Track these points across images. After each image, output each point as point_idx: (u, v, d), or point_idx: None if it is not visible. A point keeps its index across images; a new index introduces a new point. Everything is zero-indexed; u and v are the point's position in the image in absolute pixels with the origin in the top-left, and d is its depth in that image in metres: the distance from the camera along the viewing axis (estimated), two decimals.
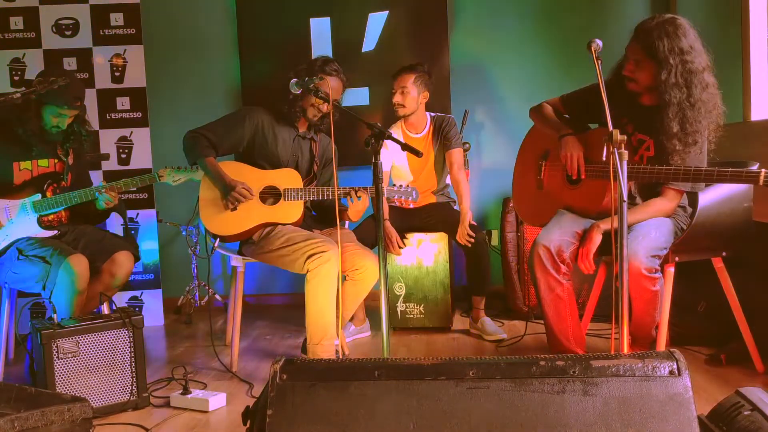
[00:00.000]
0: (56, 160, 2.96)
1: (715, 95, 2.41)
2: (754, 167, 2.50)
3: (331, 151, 3.21)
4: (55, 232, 2.87)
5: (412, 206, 2.84)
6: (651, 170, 2.36)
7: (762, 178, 2.10)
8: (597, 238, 2.47)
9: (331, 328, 2.74)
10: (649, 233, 2.41)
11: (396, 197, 2.87)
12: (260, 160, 3.00)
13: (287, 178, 2.94)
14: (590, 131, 2.67)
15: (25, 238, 2.80)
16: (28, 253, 2.74)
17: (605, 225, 2.47)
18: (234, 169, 2.93)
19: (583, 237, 2.52)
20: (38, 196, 2.85)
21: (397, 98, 3.45)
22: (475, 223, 3.38)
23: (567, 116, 2.79)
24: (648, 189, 2.58)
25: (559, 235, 2.54)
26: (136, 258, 2.93)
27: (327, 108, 2.97)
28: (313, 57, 3.33)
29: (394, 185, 2.89)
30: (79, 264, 2.67)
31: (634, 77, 2.47)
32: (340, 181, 2.88)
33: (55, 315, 2.48)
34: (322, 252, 2.69)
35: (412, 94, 3.43)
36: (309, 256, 2.71)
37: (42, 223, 2.85)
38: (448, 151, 3.49)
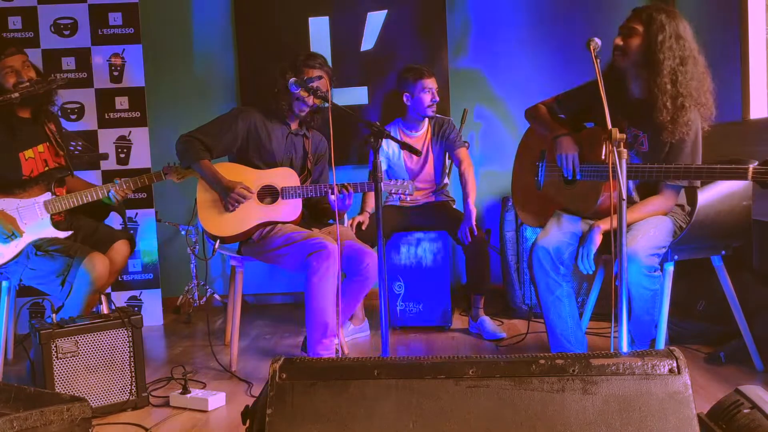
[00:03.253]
0: (48, 144, 2.95)
1: (707, 79, 2.43)
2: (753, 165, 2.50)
3: (323, 148, 3.22)
4: (70, 233, 2.86)
5: (408, 199, 2.85)
6: (643, 168, 2.36)
7: (750, 173, 2.10)
8: (597, 240, 2.46)
9: (331, 325, 2.74)
10: (648, 232, 2.41)
11: (393, 191, 2.88)
12: (256, 160, 2.99)
13: (284, 177, 2.94)
14: (584, 131, 2.67)
15: (39, 238, 2.80)
16: (47, 248, 2.74)
17: (605, 226, 2.47)
18: (230, 170, 2.92)
19: (583, 238, 2.52)
20: (48, 195, 2.84)
21: (436, 97, 3.51)
22: (475, 222, 3.38)
23: (562, 116, 2.79)
24: (645, 187, 2.57)
25: (557, 236, 2.54)
26: (133, 246, 2.96)
27: (315, 101, 2.97)
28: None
29: (390, 180, 2.90)
30: (101, 262, 2.68)
31: (623, 46, 2.45)
32: (337, 179, 2.88)
33: (54, 315, 2.48)
34: (322, 250, 2.69)
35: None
36: (308, 254, 2.71)
37: (53, 222, 2.85)
38: (454, 151, 3.51)
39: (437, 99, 3.50)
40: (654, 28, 2.39)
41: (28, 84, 2.73)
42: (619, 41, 2.46)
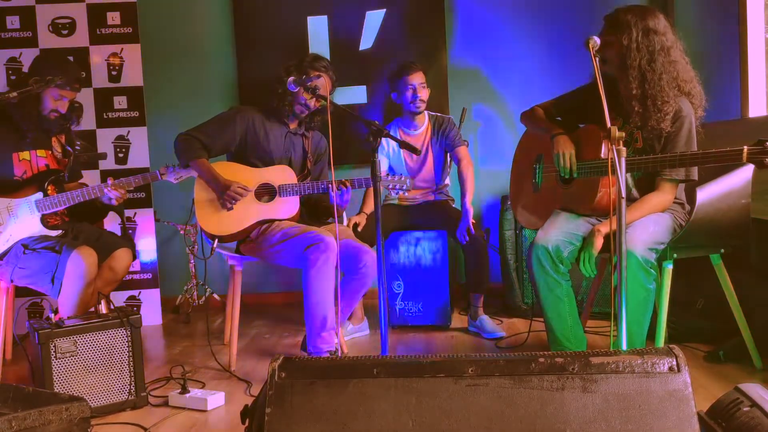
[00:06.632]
0: (51, 152, 2.96)
1: (682, 68, 2.44)
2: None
3: (323, 147, 3.22)
4: (60, 231, 2.87)
5: (407, 194, 2.83)
6: (639, 161, 2.37)
7: (745, 154, 2.10)
8: (598, 243, 2.45)
9: (330, 318, 2.74)
10: (648, 227, 2.40)
11: (389, 186, 2.88)
12: (253, 159, 2.99)
13: (281, 175, 2.93)
14: (580, 129, 2.68)
15: (29, 236, 2.80)
16: (35, 247, 2.74)
17: (605, 229, 2.46)
18: (227, 169, 2.92)
19: (585, 242, 2.51)
20: (40, 195, 2.84)
21: (423, 94, 3.46)
22: (474, 221, 3.37)
23: (559, 119, 2.80)
24: (646, 182, 2.57)
25: (556, 235, 2.53)
26: (134, 255, 2.95)
27: (315, 104, 2.97)
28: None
29: (387, 176, 2.90)
30: (88, 255, 2.69)
31: (604, 57, 2.49)
32: (337, 179, 2.88)
33: (53, 314, 2.47)
34: (319, 242, 2.69)
35: (426, 90, 3.48)
36: (306, 248, 2.71)
37: (46, 223, 2.85)
38: (454, 149, 3.50)
39: (419, 95, 3.44)
40: (620, 32, 2.44)
41: (30, 88, 2.74)
42: (600, 52, 2.48)
